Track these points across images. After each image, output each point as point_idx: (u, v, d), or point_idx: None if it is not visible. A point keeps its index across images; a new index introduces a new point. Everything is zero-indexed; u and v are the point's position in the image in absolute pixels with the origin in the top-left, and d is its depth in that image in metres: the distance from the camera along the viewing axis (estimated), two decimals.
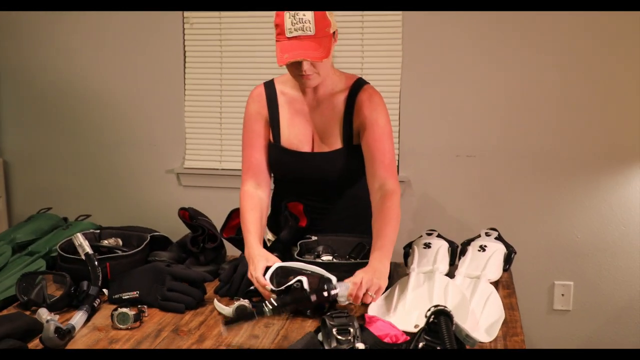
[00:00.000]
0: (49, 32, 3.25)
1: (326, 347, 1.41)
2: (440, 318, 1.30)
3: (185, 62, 3.17)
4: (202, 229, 2.04)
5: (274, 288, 1.72)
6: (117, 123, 3.26)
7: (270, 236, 2.13)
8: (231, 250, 2.10)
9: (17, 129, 3.38)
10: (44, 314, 1.63)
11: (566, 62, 2.83)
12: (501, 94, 2.91)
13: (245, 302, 1.70)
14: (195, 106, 3.20)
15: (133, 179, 3.29)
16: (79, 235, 1.92)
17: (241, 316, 1.60)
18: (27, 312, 1.72)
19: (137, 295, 1.78)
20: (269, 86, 2.02)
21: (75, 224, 2.34)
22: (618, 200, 2.87)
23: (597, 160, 2.86)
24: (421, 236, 2.08)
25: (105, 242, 2.07)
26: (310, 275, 1.73)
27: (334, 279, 1.71)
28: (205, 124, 3.20)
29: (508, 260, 1.98)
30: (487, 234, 2.09)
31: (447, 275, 1.85)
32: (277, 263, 1.79)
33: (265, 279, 1.74)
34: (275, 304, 1.59)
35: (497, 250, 1.97)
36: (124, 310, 1.65)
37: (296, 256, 1.89)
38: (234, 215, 2.05)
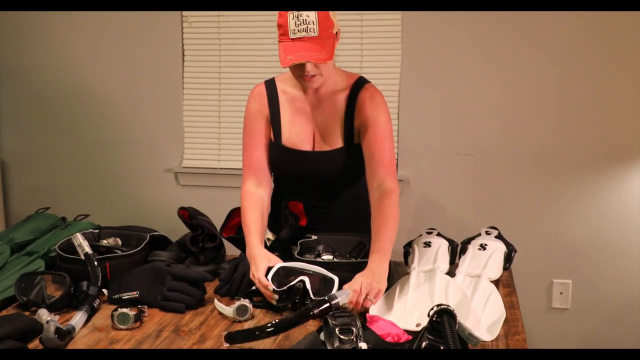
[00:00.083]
0: (47, 32, 3.23)
1: (329, 347, 1.40)
2: (443, 317, 1.30)
3: (183, 61, 3.16)
4: (202, 229, 2.03)
5: (275, 288, 1.72)
6: (116, 122, 3.25)
7: (270, 235, 2.12)
8: (231, 250, 2.09)
9: (15, 128, 3.36)
10: (43, 314, 1.62)
11: (566, 62, 2.83)
12: (501, 93, 2.91)
13: (246, 302, 1.70)
14: (194, 105, 3.19)
15: (131, 179, 3.28)
16: (78, 235, 1.91)
17: (244, 338, 1.53)
18: (27, 313, 1.71)
19: (137, 295, 1.78)
20: (270, 85, 2.02)
21: (74, 224, 2.33)
22: (617, 198, 2.87)
23: (596, 159, 2.86)
24: (421, 235, 2.08)
25: (105, 242, 2.06)
26: (312, 275, 1.73)
27: (336, 279, 1.71)
28: (203, 123, 3.20)
29: (508, 258, 1.98)
30: (487, 233, 2.08)
31: (447, 274, 1.84)
32: (279, 263, 1.79)
33: (267, 280, 1.74)
34: (277, 327, 1.52)
35: (497, 249, 1.97)
36: (124, 310, 1.64)
37: (296, 255, 1.88)
38: (234, 215, 2.05)
